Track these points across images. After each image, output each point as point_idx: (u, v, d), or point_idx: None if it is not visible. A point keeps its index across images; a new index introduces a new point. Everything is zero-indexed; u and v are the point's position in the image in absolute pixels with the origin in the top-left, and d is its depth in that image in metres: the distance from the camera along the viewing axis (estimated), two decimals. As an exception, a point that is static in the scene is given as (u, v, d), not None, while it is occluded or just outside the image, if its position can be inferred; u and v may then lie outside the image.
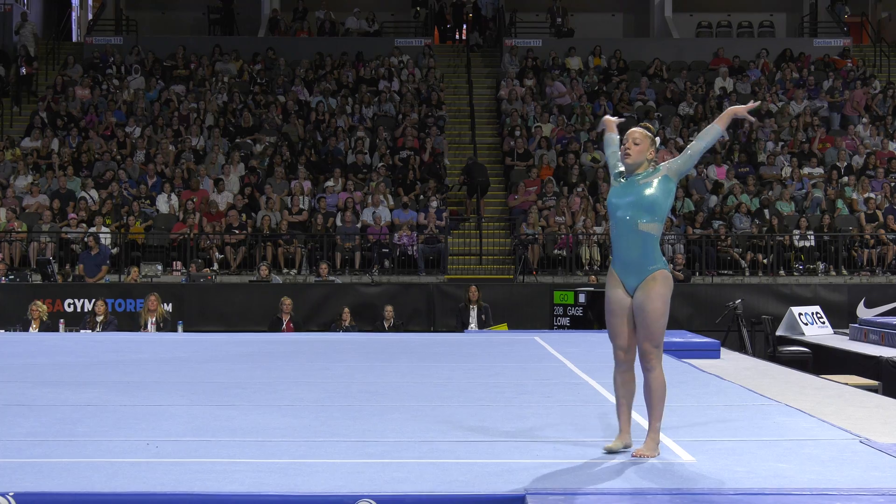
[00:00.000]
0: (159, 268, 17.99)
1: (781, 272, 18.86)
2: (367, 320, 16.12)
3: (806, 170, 21.55)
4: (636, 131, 5.60)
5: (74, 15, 31.36)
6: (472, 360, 10.31)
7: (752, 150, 22.26)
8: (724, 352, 11.93)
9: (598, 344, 11.20)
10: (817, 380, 9.63)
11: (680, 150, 19.85)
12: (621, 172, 5.65)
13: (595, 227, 19.31)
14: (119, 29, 28.23)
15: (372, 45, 26.17)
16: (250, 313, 16.18)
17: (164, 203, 19.91)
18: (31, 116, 23.01)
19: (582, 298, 14.97)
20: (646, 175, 5.56)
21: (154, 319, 14.74)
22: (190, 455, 5.48)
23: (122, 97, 23.52)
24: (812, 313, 15.61)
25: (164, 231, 19.13)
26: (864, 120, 23.42)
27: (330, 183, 20.49)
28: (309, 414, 6.82)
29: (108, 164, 21.00)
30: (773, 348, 14.77)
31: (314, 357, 10.76)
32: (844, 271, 18.98)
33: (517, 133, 22.43)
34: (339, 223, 19.30)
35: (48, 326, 14.68)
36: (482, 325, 15.73)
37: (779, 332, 15.41)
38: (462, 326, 15.68)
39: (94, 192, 20.08)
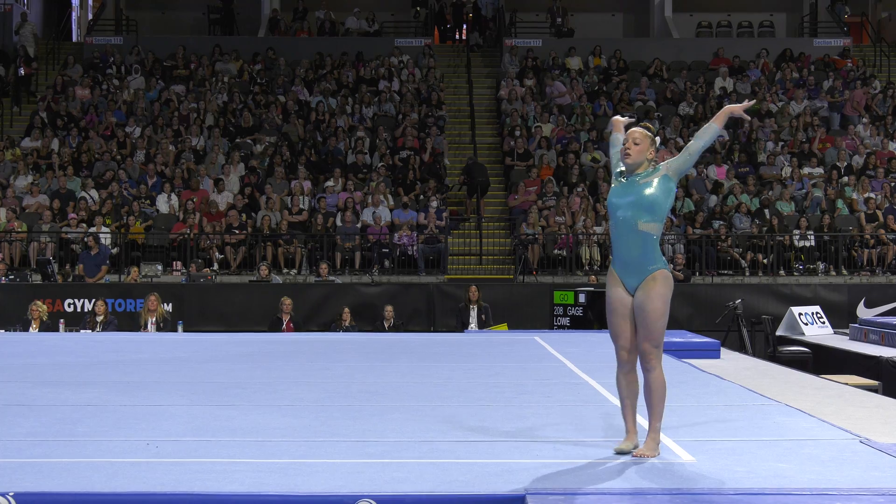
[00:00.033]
0: (159, 268, 17.99)
1: (781, 272, 18.86)
2: (367, 320, 16.12)
3: (806, 170, 21.55)
4: (636, 131, 5.61)
5: (74, 15, 31.36)
6: (472, 360, 10.31)
7: (752, 150, 22.26)
8: (724, 352, 11.93)
9: (598, 344, 11.21)
10: (817, 380, 9.63)
11: (680, 149, 19.83)
12: (622, 172, 5.66)
13: (595, 227, 19.31)
14: (119, 29, 28.24)
15: (372, 45, 26.17)
16: (250, 313, 16.18)
17: (164, 203, 19.91)
18: (31, 116, 23.01)
19: (582, 298, 14.97)
20: (646, 175, 5.56)
21: (154, 319, 14.74)
22: (190, 455, 5.48)
23: (122, 97, 23.52)
24: (812, 313, 15.61)
25: (164, 231, 19.13)
26: (864, 120, 23.42)
27: (330, 183, 20.50)
28: (309, 414, 6.82)
29: (108, 164, 21.00)
30: (773, 348, 14.77)
31: (314, 357, 10.76)
32: (844, 271, 18.98)
33: (517, 133, 22.43)
34: (339, 223, 19.30)
35: (48, 326, 14.68)
36: (482, 325, 15.73)
37: (779, 332, 15.41)
38: (462, 326, 15.68)
39: (94, 192, 20.08)
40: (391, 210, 19.73)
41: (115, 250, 18.56)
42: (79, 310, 16.05)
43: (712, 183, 20.91)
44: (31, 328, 14.49)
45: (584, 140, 22.26)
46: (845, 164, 21.68)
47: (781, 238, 19.13)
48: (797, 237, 19.23)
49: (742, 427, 6.43)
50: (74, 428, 6.28)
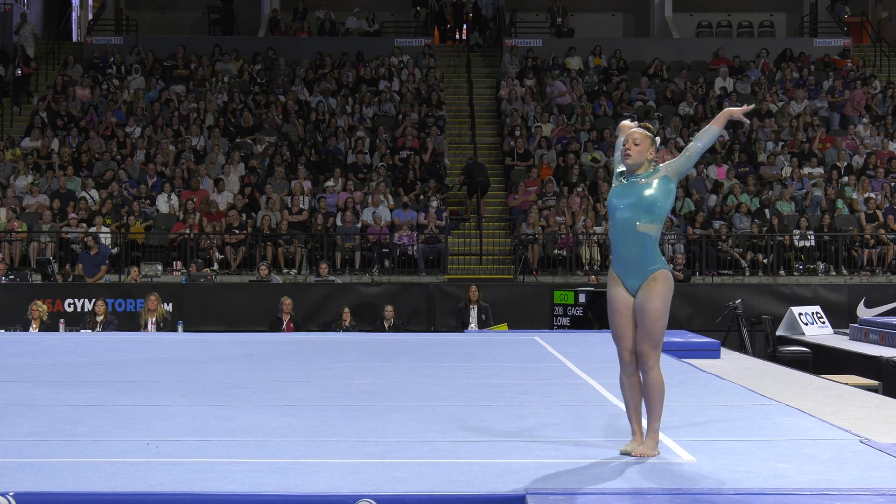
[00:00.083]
0: (159, 268, 17.99)
1: (781, 272, 18.86)
2: (367, 320, 16.12)
3: (806, 170, 21.55)
4: (636, 132, 5.61)
5: (74, 15, 31.37)
6: (472, 360, 10.31)
7: (752, 150, 22.26)
8: (724, 352, 11.92)
9: (598, 344, 11.21)
10: (817, 380, 9.63)
11: (680, 150, 19.85)
12: (622, 172, 5.66)
13: (595, 227, 19.31)
14: (119, 29, 28.24)
15: (372, 45, 26.17)
16: (250, 313, 16.18)
17: (164, 203, 19.91)
18: (31, 116, 23.02)
19: (582, 298, 14.97)
20: (646, 176, 5.56)
21: (154, 319, 14.74)
22: (190, 455, 5.48)
23: (122, 97, 23.53)
24: (812, 313, 15.61)
25: (164, 231, 19.13)
26: (865, 120, 23.42)
27: (330, 183, 20.50)
28: (309, 414, 6.82)
29: (108, 164, 21.00)
30: (773, 348, 14.77)
31: (314, 357, 10.76)
32: (844, 271, 18.98)
33: (517, 133, 22.43)
34: (339, 223, 19.30)
35: (48, 326, 14.68)
36: (482, 325, 15.73)
37: (779, 332, 15.41)
38: (462, 326, 15.68)
39: (94, 192, 20.08)
40: (391, 210, 19.73)
41: (115, 250, 18.56)
42: (79, 310, 16.06)
43: (712, 183, 20.91)
44: (31, 328, 14.49)
45: (584, 140, 22.26)
46: (845, 164, 21.68)
47: (781, 238, 19.13)
48: (797, 237, 19.23)
49: (742, 427, 6.43)
50: (74, 428, 6.28)
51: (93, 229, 18.56)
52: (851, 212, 20.29)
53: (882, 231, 19.47)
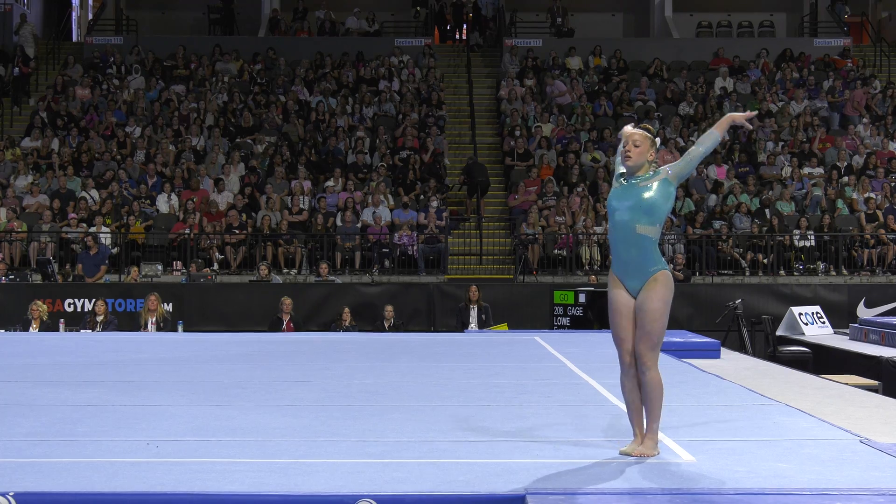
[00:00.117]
0: (159, 268, 17.99)
1: (781, 272, 18.86)
2: (367, 320, 16.12)
3: (806, 170, 21.55)
4: (636, 133, 5.62)
5: (74, 15, 31.37)
6: (472, 360, 10.31)
7: (752, 150, 22.26)
8: (724, 352, 11.93)
9: (598, 344, 11.21)
10: (817, 380, 9.63)
11: (680, 150, 19.87)
12: (622, 174, 5.66)
13: (595, 227, 19.31)
14: (119, 29, 28.24)
15: (372, 45, 26.17)
16: (250, 313, 16.18)
17: (164, 203, 19.91)
18: (31, 116, 23.02)
19: (582, 298, 14.97)
20: (646, 178, 5.57)
21: (154, 319, 14.74)
22: (190, 455, 5.48)
23: (122, 97, 23.53)
24: (812, 313, 15.61)
25: (164, 231, 19.13)
26: (865, 120, 23.43)
27: (330, 183, 20.50)
28: (309, 414, 6.82)
29: (108, 164, 21.00)
30: (773, 348, 14.77)
31: (314, 357, 10.76)
32: (844, 271, 18.98)
33: (517, 133, 22.43)
34: (339, 223, 19.30)
35: (48, 326, 14.68)
36: (482, 325, 15.73)
37: (779, 332, 15.41)
38: (462, 326, 15.68)
39: (94, 192, 20.08)
40: (391, 210, 19.73)
41: (115, 250, 18.56)
42: (79, 310, 16.06)
43: (712, 183, 20.92)
44: (31, 328, 14.50)
45: (585, 140, 22.26)
46: (845, 164, 21.68)
47: (781, 238, 19.13)
48: (797, 237, 19.23)
49: (742, 427, 6.43)
50: (74, 428, 6.28)
51: (93, 229, 18.56)
52: (851, 212, 20.29)
53: (882, 231, 19.47)
